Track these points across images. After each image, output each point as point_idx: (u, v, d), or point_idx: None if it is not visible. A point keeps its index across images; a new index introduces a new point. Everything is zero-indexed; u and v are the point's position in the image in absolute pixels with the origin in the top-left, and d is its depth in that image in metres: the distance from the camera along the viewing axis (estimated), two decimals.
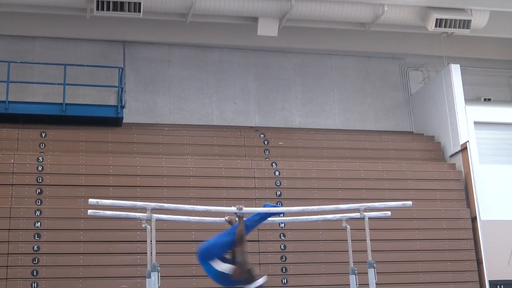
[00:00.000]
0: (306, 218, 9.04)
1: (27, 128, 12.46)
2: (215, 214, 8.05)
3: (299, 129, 14.67)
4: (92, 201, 6.96)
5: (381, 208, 8.13)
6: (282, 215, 8.34)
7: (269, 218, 10.07)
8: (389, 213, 8.21)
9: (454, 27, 13.82)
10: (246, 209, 7.09)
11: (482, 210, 12.98)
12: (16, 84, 13.26)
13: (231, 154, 13.01)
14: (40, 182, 11.36)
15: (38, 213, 11.07)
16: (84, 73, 13.89)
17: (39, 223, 11.00)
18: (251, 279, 6.81)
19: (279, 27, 13.74)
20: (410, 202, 8.01)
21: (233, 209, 7.08)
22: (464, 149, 13.53)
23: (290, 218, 10.48)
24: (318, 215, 9.36)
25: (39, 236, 10.93)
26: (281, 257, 11.74)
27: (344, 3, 13.49)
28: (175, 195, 11.57)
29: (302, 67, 15.43)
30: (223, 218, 7.59)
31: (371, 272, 7.37)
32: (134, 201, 10.24)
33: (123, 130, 13.10)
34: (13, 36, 13.95)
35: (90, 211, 7.46)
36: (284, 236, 11.92)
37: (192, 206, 7.72)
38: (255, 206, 10.52)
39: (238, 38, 14.62)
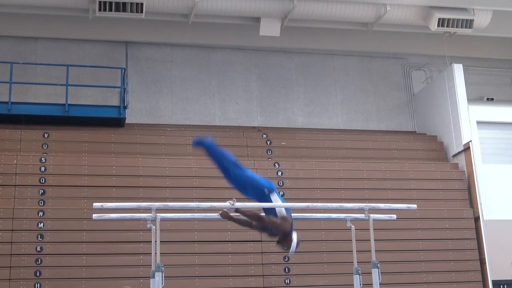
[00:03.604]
0: (310, 216, 8.97)
1: (29, 129, 12.46)
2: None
3: (302, 129, 14.65)
4: (96, 205, 6.72)
5: (385, 210, 8.09)
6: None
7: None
8: (394, 216, 8.15)
9: (457, 26, 13.79)
10: (238, 204, 7.02)
11: (485, 210, 12.96)
12: (18, 85, 13.27)
13: (233, 154, 12.94)
14: (43, 183, 11.37)
15: (41, 213, 11.07)
16: (86, 73, 13.90)
17: (42, 224, 11.00)
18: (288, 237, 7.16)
19: (281, 27, 13.73)
20: (415, 205, 7.96)
21: (226, 204, 7.02)
22: (467, 148, 13.51)
23: (294, 215, 10.46)
24: (321, 213, 9.34)
25: (42, 236, 10.94)
26: (284, 257, 11.73)
27: (346, 3, 13.48)
28: (178, 195, 11.54)
29: (305, 67, 15.42)
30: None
31: (375, 272, 7.33)
32: (137, 201, 10.31)
33: (125, 131, 13.10)
34: (16, 37, 13.95)
35: (94, 215, 7.31)
36: None
37: (197, 203, 7.63)
38: None
39: (240, 38, 14.61)
